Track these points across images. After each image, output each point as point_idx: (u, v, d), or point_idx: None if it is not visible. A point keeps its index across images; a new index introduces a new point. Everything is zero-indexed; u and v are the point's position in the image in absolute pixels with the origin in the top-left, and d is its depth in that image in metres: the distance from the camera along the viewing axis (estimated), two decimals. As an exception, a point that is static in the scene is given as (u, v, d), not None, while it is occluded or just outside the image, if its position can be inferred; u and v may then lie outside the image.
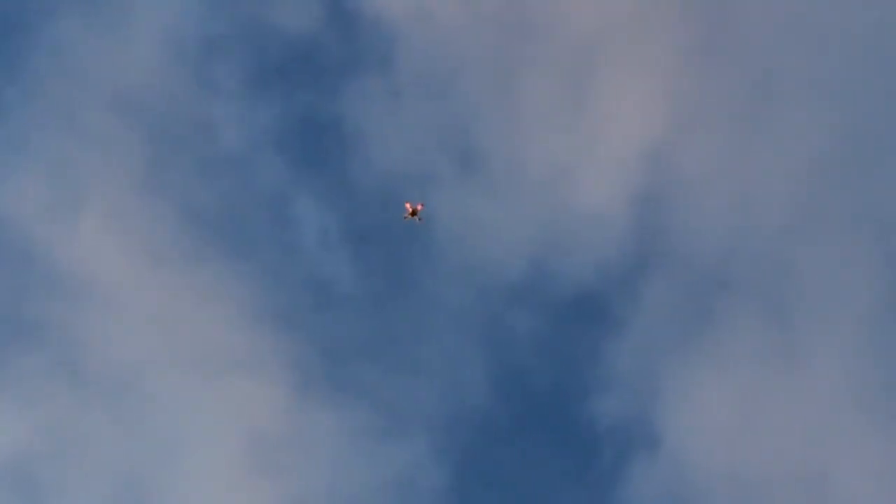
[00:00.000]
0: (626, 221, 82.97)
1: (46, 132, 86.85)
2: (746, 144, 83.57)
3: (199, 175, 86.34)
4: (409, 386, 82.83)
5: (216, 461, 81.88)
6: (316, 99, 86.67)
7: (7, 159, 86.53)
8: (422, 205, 73.32)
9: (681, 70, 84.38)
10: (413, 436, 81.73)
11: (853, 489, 76.78)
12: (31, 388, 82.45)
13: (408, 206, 73.72)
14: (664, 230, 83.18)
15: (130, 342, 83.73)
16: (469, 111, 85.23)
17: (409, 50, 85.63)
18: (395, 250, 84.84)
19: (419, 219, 73.69)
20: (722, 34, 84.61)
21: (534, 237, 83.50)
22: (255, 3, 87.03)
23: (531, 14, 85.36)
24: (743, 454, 79.40)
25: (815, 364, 79.73)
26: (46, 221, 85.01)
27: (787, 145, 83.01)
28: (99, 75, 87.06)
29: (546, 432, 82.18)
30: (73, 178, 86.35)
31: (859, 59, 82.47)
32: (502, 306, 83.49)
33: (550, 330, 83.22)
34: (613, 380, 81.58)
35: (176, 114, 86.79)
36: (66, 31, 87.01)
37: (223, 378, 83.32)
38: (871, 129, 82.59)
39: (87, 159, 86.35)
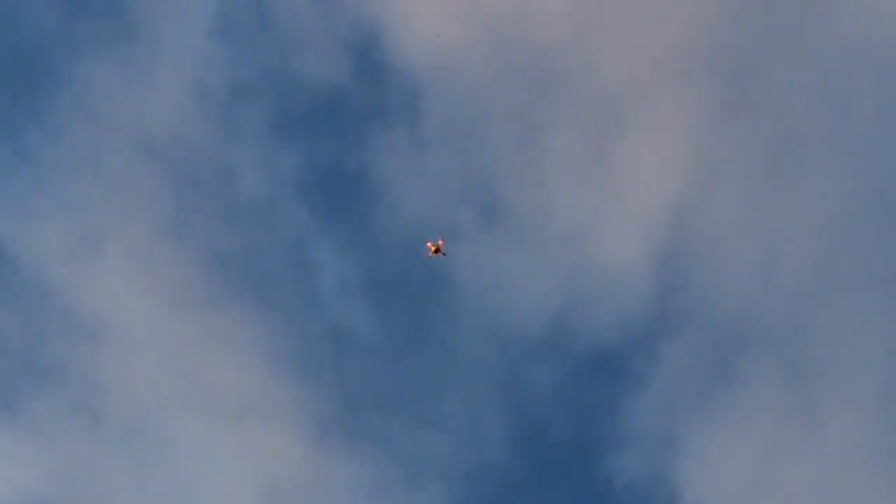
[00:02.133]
0: (648, 278, 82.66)
1: (69, 176, 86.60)
2: (768, 203, 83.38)
3: (221, 221, 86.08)
4: (427, 438, 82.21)
5: None
6: (340, 148, 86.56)
7: (29, 202, 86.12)
8: (442, 240, 73.38)
9: (705, 127, 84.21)
10: (430, 488, 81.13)
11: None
12: (49, 431, 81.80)
13: (429, 244, 73.83)
14: (685, 287, 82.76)
15: (149, 386, 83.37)
16: (493, 163, 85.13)
17: (434, 101, 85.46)
18: (417, 301, 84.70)
19: (443, 253, 73.76)
20: (746, 92, 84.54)
21: (556, 291, 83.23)
22: (281, 52, 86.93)
23: (556, 68, 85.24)
24: None
25: (833, 423, 79.20)
26: (67, 264, 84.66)
27: (808, 204, 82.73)
28: (123, 120, 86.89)
29: (564, 488, 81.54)
30: (95, 222, 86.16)
31: (882, 120, 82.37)
32: (523, 360, 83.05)
33: (570, 385, 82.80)
34: (632, 436, 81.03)
35: (200, 160, 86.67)
36: (91, 76, 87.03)
37: (241, 425, 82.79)
38: (892, 189, 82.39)
39: (110, 203, 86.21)
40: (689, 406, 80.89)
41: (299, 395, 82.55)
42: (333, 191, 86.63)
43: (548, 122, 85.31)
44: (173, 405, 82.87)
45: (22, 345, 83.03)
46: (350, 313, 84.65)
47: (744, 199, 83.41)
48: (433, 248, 73.85)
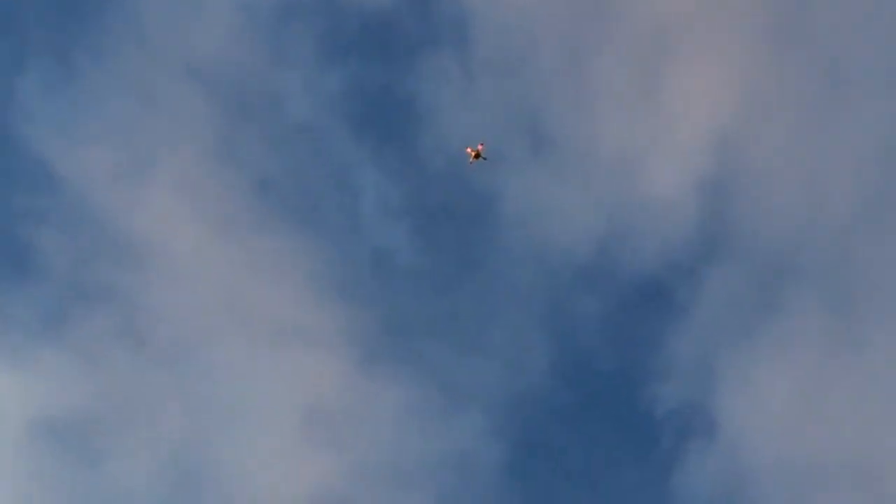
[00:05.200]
0: (693, 208, 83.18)
1: (117, 99, 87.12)
2: (815, 134, 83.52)
3: (268, 145, 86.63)
4: (470, 364, 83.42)
5: (274, 431, 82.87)
6: (388, 74, 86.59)
7: (77, 125, 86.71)
8: (482, 144, 73.02)
9: (752, 58, 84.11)
10: (472, 413, 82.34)
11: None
12: (95, 351, 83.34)
13: (469, 150, 73.54)
14: (730, 218, 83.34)
15: (193, 309, 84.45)
16: (541, 92, 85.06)
17: (483, 30, 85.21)
18: (462, 228, 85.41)
19: (484, 158, 73.34)
20: (794, 23, 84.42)
21: (600, 221, 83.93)
22: None
23: None
24: (800, 442, 79.81)
25: (876, 354, 79.79)
26: (114, 188, 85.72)
27: (855, 136, 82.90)
28: (171, 44, 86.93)
29: (605, 415, 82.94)
30: (143, 145, 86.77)
31: None
32: (567, 289, 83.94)
33: (614, 314, 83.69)
34: (674, 366, 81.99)
35: (246, 84, 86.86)
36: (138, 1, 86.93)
37: (284, 348, 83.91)
38: None
39: (157, 127, 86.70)
40: (732, 335, 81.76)
41: (343, 319, 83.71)
42: (380, 116, 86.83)
43: (596, 51, 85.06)
44: (217, 328, 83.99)
45: (69, 267, 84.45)
46: (395, 239, 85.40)
47: (791, 130, 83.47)
48: (473, 154, 73.62)
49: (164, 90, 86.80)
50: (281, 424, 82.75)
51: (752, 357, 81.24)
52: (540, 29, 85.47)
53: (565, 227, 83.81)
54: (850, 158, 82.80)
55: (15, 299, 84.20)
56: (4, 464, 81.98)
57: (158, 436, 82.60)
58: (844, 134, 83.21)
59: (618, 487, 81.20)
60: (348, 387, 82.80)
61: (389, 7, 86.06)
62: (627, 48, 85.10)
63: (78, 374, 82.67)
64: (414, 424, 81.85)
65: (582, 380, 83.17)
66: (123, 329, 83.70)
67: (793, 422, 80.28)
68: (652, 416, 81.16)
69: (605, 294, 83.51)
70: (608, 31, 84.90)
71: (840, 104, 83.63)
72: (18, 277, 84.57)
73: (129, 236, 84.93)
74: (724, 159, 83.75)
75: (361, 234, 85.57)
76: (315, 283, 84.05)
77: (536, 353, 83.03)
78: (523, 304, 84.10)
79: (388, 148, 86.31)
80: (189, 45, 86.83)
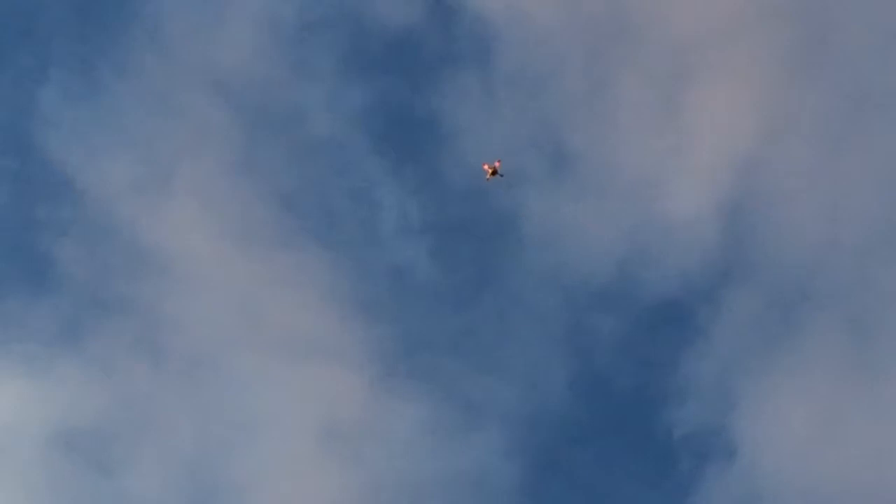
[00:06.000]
0: (713, 230, 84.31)
1: (139, 110, 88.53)
2: (836, 156, 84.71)
3: (289, 159, 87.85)
4: (487, 381, 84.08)
5: (290, 445, 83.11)
6: (410, 90, 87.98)
7: (98, 136, 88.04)
8: (499, 161, 74.80)
9: (775, 80, 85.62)
10: (489, 432, 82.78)
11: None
12: (113, 363, 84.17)
13: (486, 167, 75.31)
14: (750, 240, 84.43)
15: (212, 322, 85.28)
16: (562, 112, 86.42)
17: (506, 48, 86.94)
18: (481, 246, 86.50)
19: (501, 175, 75.19)
20: (817, 46, 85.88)
21: (621, 241, 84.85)
22: None
23: (628, 17, 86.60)
24: (819, 467, 79.74)
25: (890, 372, 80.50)
26: (135, 199, 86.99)
27: (876, 159, 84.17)
28: (194, 56, 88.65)
29: (623, 436, 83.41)
30: (164, 157, 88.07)
31: None
32: (586, 309, 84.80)
33: (632, 335, 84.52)
34: (693, 388, 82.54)
35: (269, 97, 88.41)
36: (163, 10, 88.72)
37: (302, 363, 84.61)
38: None
39: (178, 139, 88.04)
40: (751, 358, 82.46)
41: (361, 335, 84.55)
42: (402, 133, 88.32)
43: (618, 72, 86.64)
44: (236, 342, 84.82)
45: (87, 278, 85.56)
46: (414, 256, 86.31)
47: (812, 153, 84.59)
48: (490, 171, 75.29)
49: (186, 103, 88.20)
50: (297, 439, 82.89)
51: (771, 380, 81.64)
52: (562, 49, 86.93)
53: (585, 246, 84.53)
54: (870, 181, 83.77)
55: (33, 310, 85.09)
56: (21, 473, 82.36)
57: (175, 448, 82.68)
58: (865, 157, 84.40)
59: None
60: (365, 403, 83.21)
61: (413, 24, 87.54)
62: (649, 69, 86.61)
63: (95, 384, 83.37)
64: (431, 442, 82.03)
65: (599, 400, 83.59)
66: (141, 341, 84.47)
67: (812, 446, 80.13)
68: (670, 438, 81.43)
69: (623, 315, 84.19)
70: (630, 52, 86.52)
71: (861, 127, 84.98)
72: (37, 288, 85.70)
73: (149, 248, 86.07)
74: (745, 181, 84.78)
75: (381, 250, 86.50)
76: (334, 299, 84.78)
77: (554, 372, 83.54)
78: (542, 323, 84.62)
79: (409, 164, 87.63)
80: (212, 59, 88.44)
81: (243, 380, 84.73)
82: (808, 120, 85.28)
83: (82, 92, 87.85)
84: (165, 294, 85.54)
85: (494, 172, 75.63)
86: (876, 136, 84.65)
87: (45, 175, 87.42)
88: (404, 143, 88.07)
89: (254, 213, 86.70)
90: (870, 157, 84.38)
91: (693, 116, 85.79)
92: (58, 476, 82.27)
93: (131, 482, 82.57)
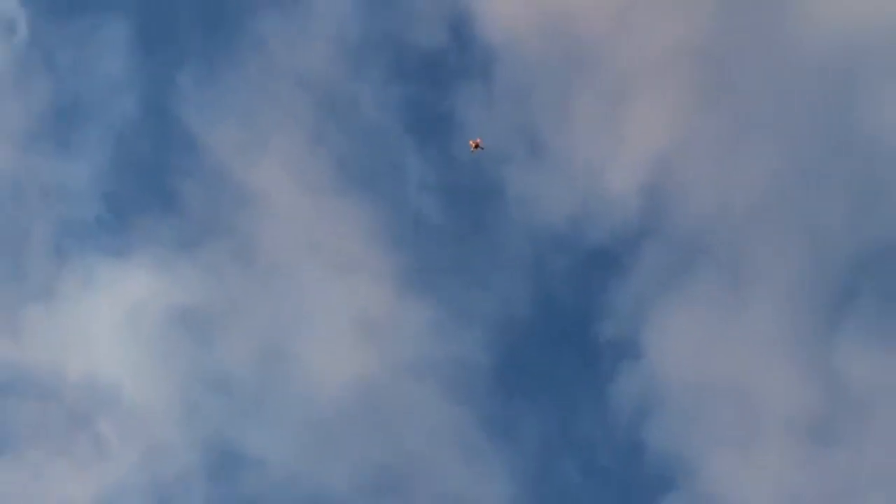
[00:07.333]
0: (637, 201, 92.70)
1: (245, 94, 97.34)
2: (728, 155, 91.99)
3: (347, 136, 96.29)
4: (475, 294, 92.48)
5: (332, 334, 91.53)
6: (433, 93, 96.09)
7: (217, 110, 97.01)
8: (480, 139, 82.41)
9: (687, 100, 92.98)
10: (473, 330, 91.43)
11: (774, 395, 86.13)
12: (216, 266, 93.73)
13: (471, 142, 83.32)
14: (663, 209, 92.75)
15: (286, 243, 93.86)
16: (539, 113, 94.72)
17: (502, 66, 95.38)
18: (476, 202, 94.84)
19: (482, 148, 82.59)
20: (719, 77, 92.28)
21: (573, 205, 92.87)
22: (400, 21, 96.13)
23: (588, 50, 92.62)
24: (704, 369, 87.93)
25: (758, 308, 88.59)
26: (240, 155, 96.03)
27: (757, 157, 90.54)
28: (284, 58, 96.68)
29: (565, 340, 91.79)
30: (261, 128, 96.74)
31: (814, 112, 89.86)
32: (546, 250, 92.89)
33: (577, 270, 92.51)
34: (616, 309, 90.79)
35: (336, 91, 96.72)
36: (264, 24, 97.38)
37: (345, 274, 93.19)
38: (811, 167, 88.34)
39: (271, 116, 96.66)
40: (659, 291, 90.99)
41: (389, 258, 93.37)
42: (426, 123, 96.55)
43: (578, 88, 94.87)
44: (301, 258, 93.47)
45: (203, 207, 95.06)
46: (429, 206, 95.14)
47: (710, 152, 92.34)
48: (473, 145, 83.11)
49: (277, 91, 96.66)
50: (339, 328, 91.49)
51: (672, 306, 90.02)
52: (541, 69, 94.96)
53: (549, 208, 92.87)
54: (752, 171, 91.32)
55: (164, 226, 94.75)
56: (149, 339, 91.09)
57: (255, 329, 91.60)
58: (748, 156, 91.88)
59: (570, 392, 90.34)
60: (388, 305, 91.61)
61: (437, 46, 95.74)
62: (600, 87, 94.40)
63: (203, 281, 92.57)
64: (433, 335, 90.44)
65: (551, 313, 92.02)
66: (237, 253, 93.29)
67: (699, 354, 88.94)
68: (597, 343, 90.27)
69: (572, 255, 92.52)
70: (587, 75, 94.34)
71: (747, 136, 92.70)
72: (168, 212, 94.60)
73: (247, 190, 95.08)
74: (662, 168, 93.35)
75: (406, 200, 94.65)
76: (371, 232, 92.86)
77: (521, 292, 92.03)
78: (515, 257, 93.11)
79: (429, 144, 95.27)
80: (296, 61, 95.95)
81: (305, 284, 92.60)
82: (710, 129, 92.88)
83: (207, 78, 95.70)
84: (256, 221, 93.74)
85: (477, 146, 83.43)
86: (757, 143, 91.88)
87: (178, 135, 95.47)
88: (427, 130, 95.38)
89: (320, 170, 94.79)
90: (751, 156, 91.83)
91: (628, 122, 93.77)
92: (174, 343, 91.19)
93: (224, 352, 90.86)
